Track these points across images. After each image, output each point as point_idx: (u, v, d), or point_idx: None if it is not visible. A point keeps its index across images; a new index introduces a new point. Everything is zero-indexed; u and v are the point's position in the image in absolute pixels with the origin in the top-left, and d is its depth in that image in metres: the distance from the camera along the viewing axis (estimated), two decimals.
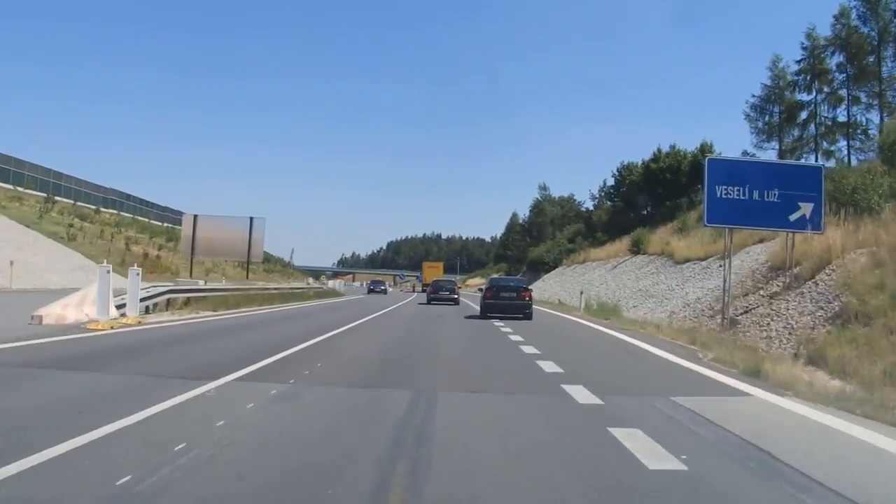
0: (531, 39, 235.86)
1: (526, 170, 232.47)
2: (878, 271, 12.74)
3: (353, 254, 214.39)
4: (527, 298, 19.91)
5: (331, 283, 64.89)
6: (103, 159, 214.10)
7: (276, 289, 29.59)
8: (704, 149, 44.24)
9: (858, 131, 36.07)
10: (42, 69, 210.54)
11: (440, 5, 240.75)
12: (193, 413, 4.79)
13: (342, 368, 7.56)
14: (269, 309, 21.51)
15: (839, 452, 4.40)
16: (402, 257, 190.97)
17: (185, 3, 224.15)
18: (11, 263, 25.31)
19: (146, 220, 57.00)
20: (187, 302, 19.22)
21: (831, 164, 33.85)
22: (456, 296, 32.75)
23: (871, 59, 35.02)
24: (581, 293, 27.74)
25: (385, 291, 58.07)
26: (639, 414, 5.25)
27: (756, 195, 15.79)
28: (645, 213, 48.60)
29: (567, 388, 6.31)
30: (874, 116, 35.66)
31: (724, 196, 15.77)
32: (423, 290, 53.04)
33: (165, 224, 57.75)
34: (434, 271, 71.37)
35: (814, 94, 38.15)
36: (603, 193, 61.86)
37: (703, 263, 26.86)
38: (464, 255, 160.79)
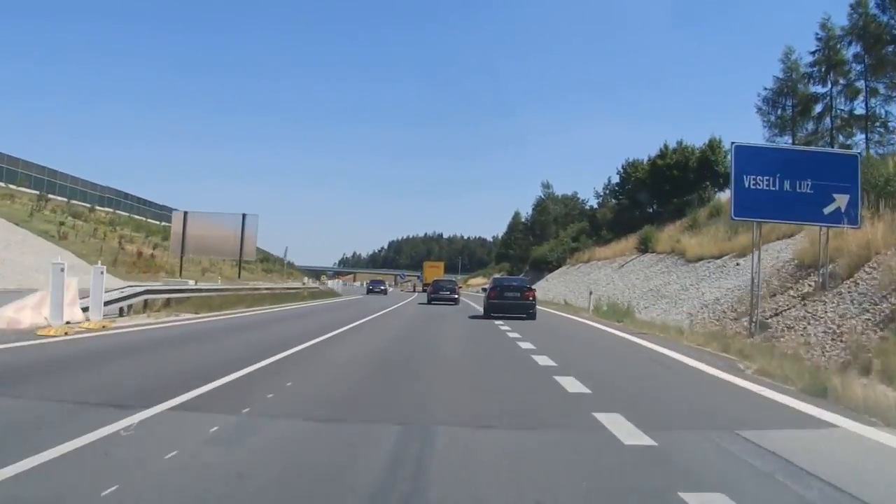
0: (532, 39, 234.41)
1: (528, 169, 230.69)
2: None
3: (355, 253, 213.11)
4: (530, 298, 19.96)
5: (330, 283, 63.42)
6: (101, 159, 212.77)
7: (267, 289, 28.14)
8: (713, 144, 42.87)
9: (877, 124, 34.50)
10: (40, 68, 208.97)
11: (441, 5, 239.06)
12: (82, 468, 3.36)
13: (316, 391, 6.03)
14: (256, 311, 20.09)
15: None
16: (403, 257, 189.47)
17: (184, 3, 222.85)
18: None
19: (143, 218, 55.87)
20: (168, 303, 17.82)
21: None
22: (456, 295, 33.22)
23: (891, 49, 33.45)
24: (590, 293, 26.30)
25: (385, 292, 56.47)
26: (709, 463, 3.85)
27: (787, 186, 14.32)
28: (651, 210, 47.17)
29: (600, 417, 4.90)
30: (894, 109, 34.21)
31: (752, 187, 14.28)
32: (424, 290, 53.40)
33: (163, 223, 56.42)
34: (435, 271, 70.45)
35: (829, 86, 36.59)
36: (608, 191, 60.48)
37: (719, 262, 25.41)
38: (465, 255, 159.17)
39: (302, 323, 16.13)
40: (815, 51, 36.57)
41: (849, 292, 13.22)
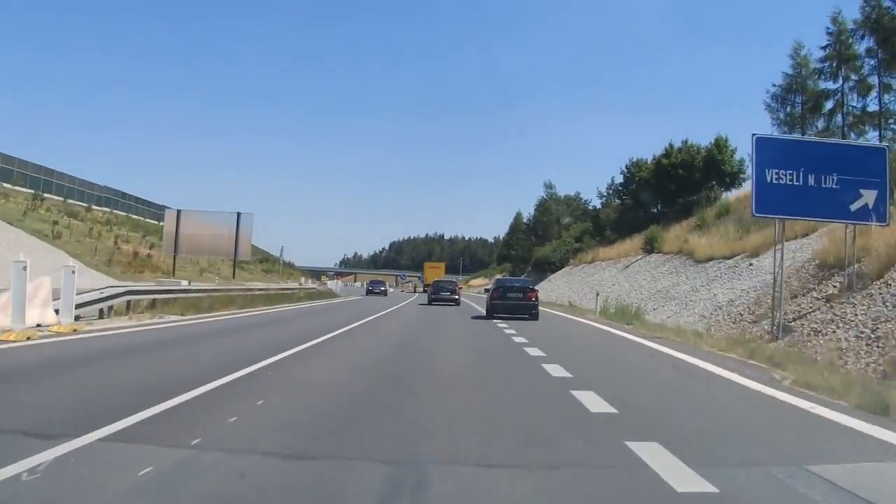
0: (532, 39, 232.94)
1: (529, 164, 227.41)
2: None
3: (356, 254, 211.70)
4: (533, 299, 19.94)
5: (329, 284, 62.48)
6: (98, 152, 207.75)
7: (260, 290, 27.18)
8: (720, 143, 41.95)
9: (891, 121, 33.51)
10: (37, 60, 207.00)
11: (442, 5, 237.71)
12: None
13: (289, 414, 5.00)
14: (246, 313, 19.16)
15: None
16: (404, 258, 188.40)
17: None
18: None
19: (141, 218, 55.09)
20: (153, 304, 16.90)
21: None
22: (456, 296, 33.40)
23: None
24: (597, 294, 25.35)
25: (385, 292, 55.36)
26: None
27: (812, 180, 13.40)
28: (656, 210, 46.21)
29: (636, 448, 3.95)
30: None
31: (774, 181, 13.34)
32: (425, 291, 53.00)
33: (160, 223, 55.46)
34: (435, 272, 69.81)
35: (840, 81, 35.50)
36: (611, 191, 59.53)
37: (730, 262, 24.45)
38: (466, 256, 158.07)
39: (295, 325, 15.22)
40: (826, 45, 35.58)
41: (880, 294, 12.29)
